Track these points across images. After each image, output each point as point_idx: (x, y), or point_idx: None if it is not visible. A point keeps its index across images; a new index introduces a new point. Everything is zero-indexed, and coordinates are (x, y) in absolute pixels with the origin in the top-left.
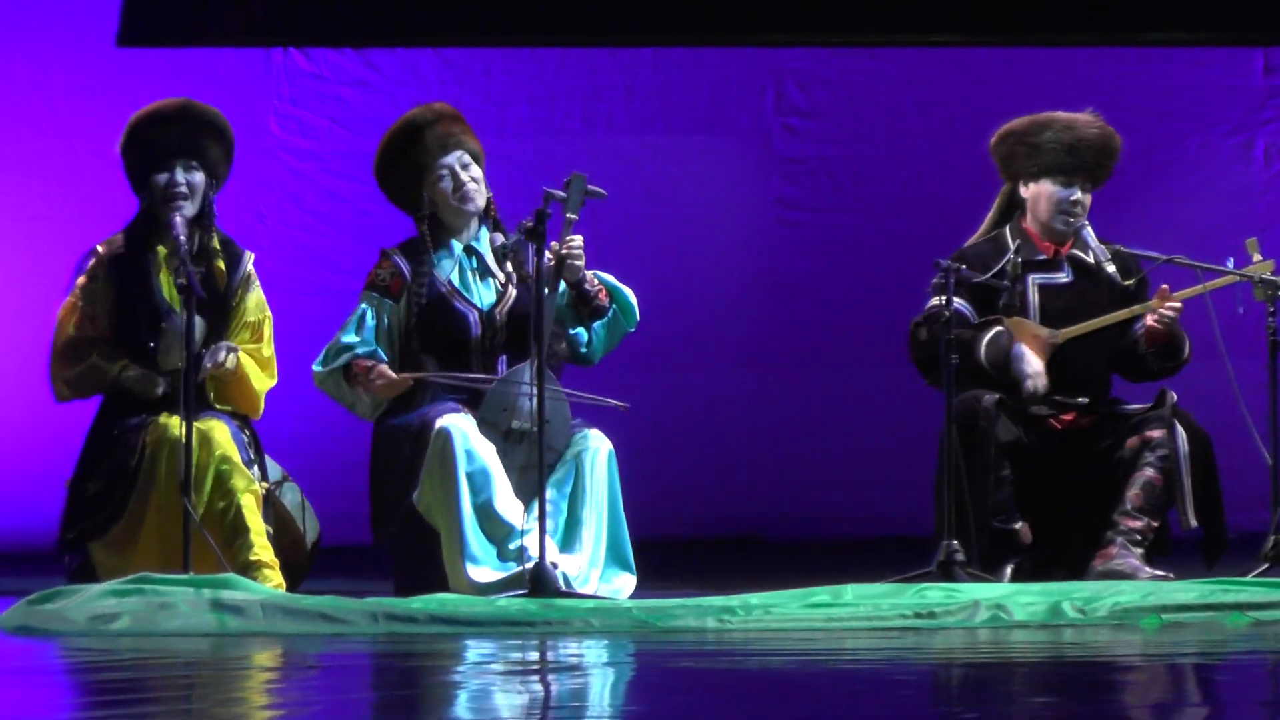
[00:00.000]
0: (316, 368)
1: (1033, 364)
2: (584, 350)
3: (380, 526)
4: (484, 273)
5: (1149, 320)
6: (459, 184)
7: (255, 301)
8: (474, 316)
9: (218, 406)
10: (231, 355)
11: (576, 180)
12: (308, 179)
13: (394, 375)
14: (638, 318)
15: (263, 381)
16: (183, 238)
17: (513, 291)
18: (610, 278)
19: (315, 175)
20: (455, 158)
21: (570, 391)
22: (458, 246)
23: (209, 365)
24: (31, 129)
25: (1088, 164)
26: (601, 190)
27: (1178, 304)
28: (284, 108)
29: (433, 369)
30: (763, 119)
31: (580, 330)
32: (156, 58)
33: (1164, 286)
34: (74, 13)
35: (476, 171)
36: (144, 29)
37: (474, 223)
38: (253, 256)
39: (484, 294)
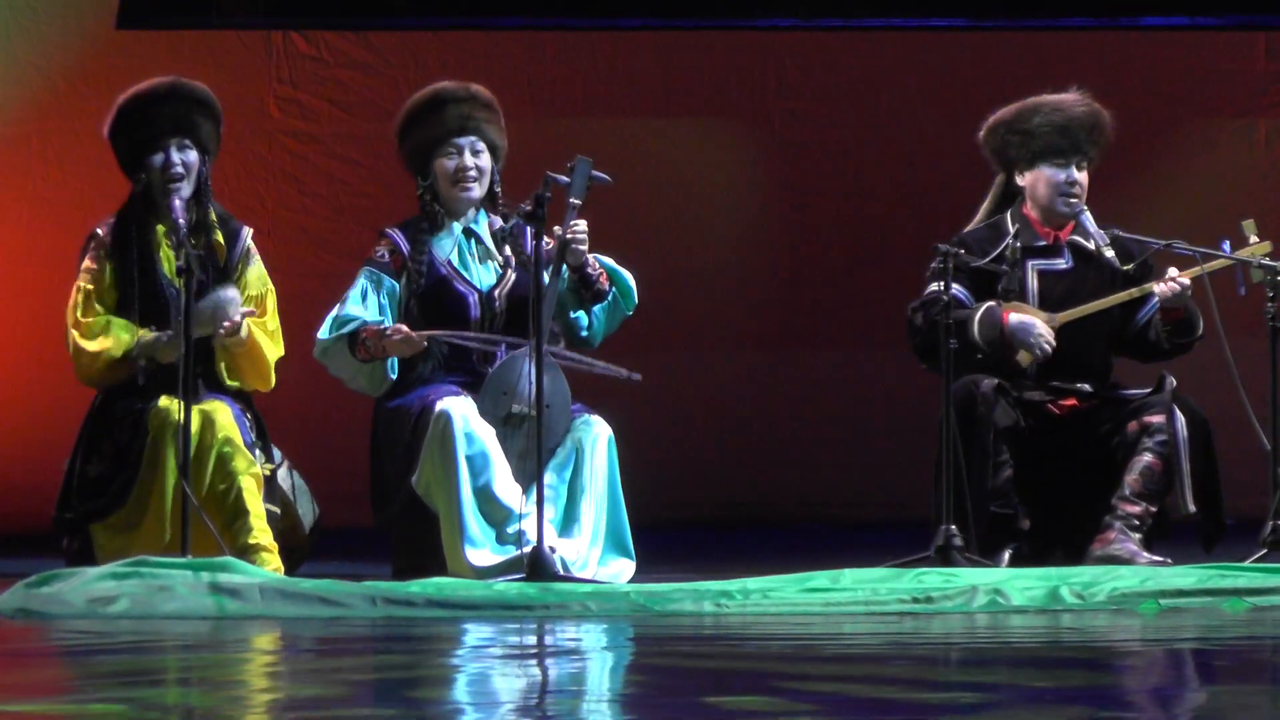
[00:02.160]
0: (321, 336)
1: (1035, 327)
2: (584, 334)
3: (382, 511)
4: (484, 255)
5: (1157, 290)
6: (461, 168)
7: (256, 275)
8: (473, 298)
9: (229, 381)
10: (255, 327)
11: (582, 164)
12: (307, 162)
13: (410, 332)
14: (636, 300)
15: (272, 351)
16: (181, 220)
17: (512, 274)
18: (610, 261)
19: (315, 158)
20: (469, 141)
21: (585, 359)
22: (457, 227)
23: (226, 325)
24: (32, 111)
25: (1081, 143)
26: (607, 176)
27: (1185, 280)
28: (283, 90)
29: (435, 347)
30: (764, 102)
31: (580, 314)
32: (156, 40)
33: (1171, 268)
34: None
35: (486, 161)
36: (143, 11)
37: (474, 207)
38: (251, 231)
39: (483, 276)
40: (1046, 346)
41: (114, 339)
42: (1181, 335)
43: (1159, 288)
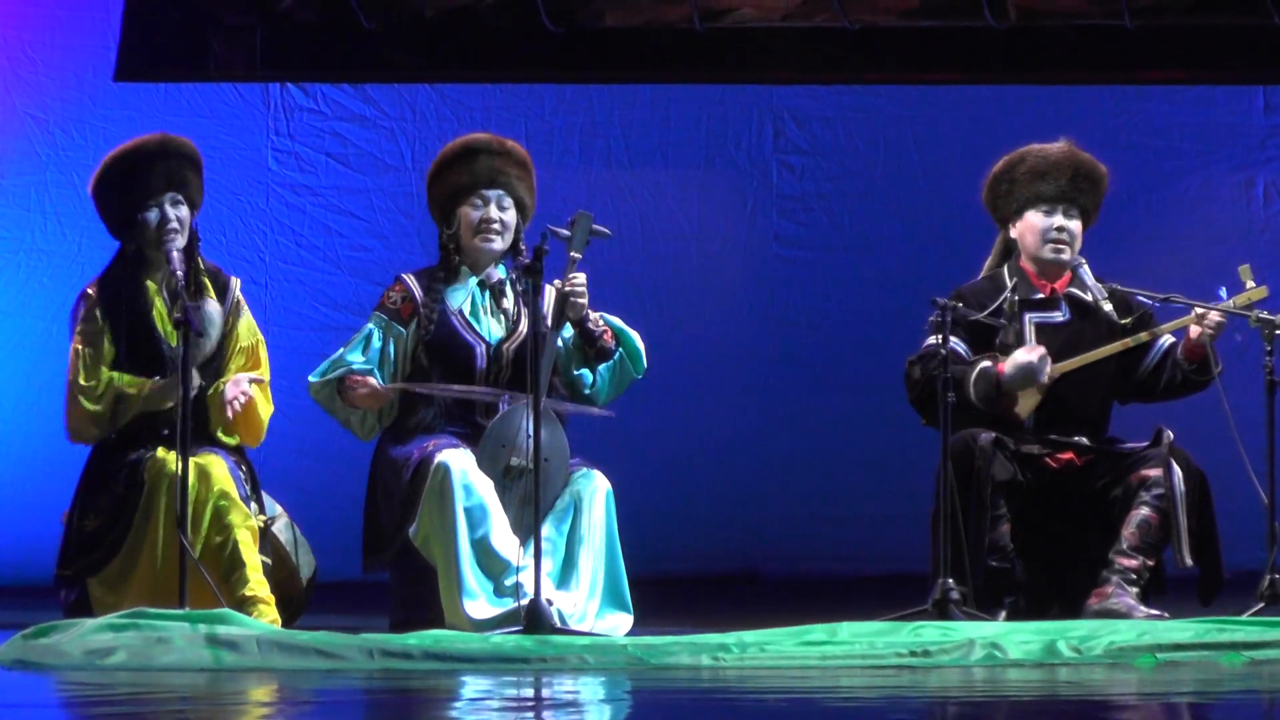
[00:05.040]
0: (312, 379)
1: (1028, 365)
2: (588, 392)
3: (373, 556)
4: (496, 308)
5: (1192, 334)
6: (486, 219)
7: (247, 327)
8: (481, 349)
9: (222, 437)
10: (253, 387)
11: (582, 219)
12: (304, 214)
13: (378, 385)
14: (645, 364)
15: (265, 409)
16: (180, 271)
17: (523, 328)
18: (618, 321)
19: (312, 210)
20: (496, 195)
21: (555, 403)
22: (473, 279)
23: (229, 404)
24: (29, 163)
25: (1065, 189)
26: (606, 230)
27: (1217, 317)
28: (281, 142)
29: (437, 397)
30: (761, 156)
31: (585, 372)
32: (154, 92)
33: (1196, 309)
34: (72, 47)
35: (511, 217)
36: (141, 64)
37: (494, 261)
38: (239, 282)
39: (494, 328)
40: (1048, 371)
41: (118, 399)
42: (1204, 373)
43: (1195, 330)
